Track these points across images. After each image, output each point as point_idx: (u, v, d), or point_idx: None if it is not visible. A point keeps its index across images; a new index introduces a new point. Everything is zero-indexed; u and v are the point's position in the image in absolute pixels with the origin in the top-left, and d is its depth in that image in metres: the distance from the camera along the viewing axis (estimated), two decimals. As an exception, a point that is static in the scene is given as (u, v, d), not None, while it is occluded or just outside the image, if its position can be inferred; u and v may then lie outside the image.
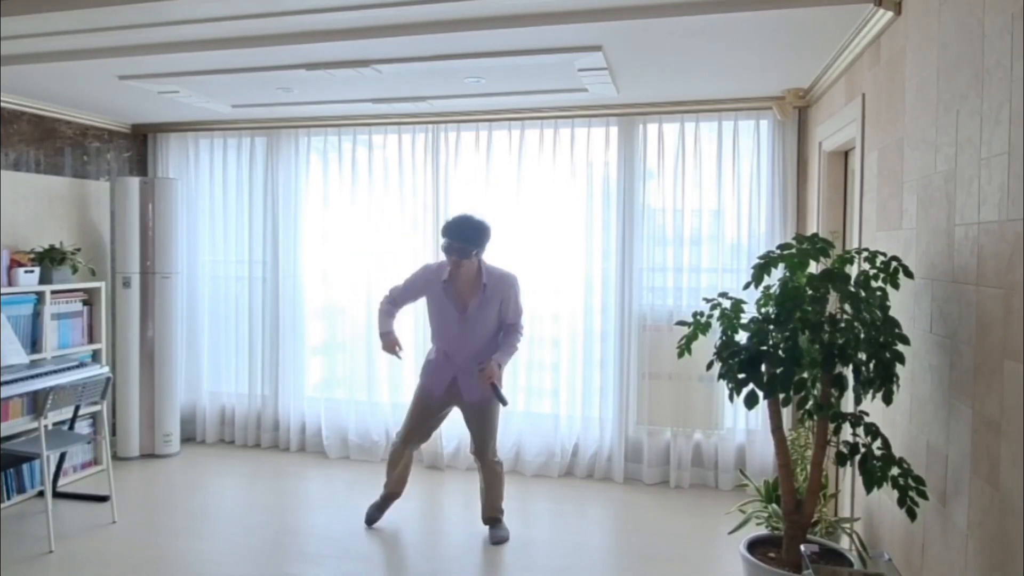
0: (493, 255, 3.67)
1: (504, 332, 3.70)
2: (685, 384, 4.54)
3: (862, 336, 2.22)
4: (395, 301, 3.77)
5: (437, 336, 3.73)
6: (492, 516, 3.79)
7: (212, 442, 5.39)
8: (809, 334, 2.28)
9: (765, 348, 2.38)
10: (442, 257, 3.68)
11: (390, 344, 3.71)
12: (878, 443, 2.25)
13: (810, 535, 2.65)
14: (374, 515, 3.88)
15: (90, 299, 4.70)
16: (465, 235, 3.50)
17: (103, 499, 4.10)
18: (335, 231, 5.16)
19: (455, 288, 3.59)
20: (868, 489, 2.17)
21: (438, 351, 3.73)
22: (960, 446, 2.02)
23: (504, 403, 3.64)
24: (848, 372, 2.31)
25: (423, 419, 3.78)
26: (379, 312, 3.78)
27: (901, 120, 2.55)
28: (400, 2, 2.77)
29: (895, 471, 2.17)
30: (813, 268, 2.43)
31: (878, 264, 2.30)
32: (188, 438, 5.40)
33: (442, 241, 3.55)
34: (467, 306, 3.58)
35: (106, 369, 4.32)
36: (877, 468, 2.17)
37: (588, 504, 4.31)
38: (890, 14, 2.62)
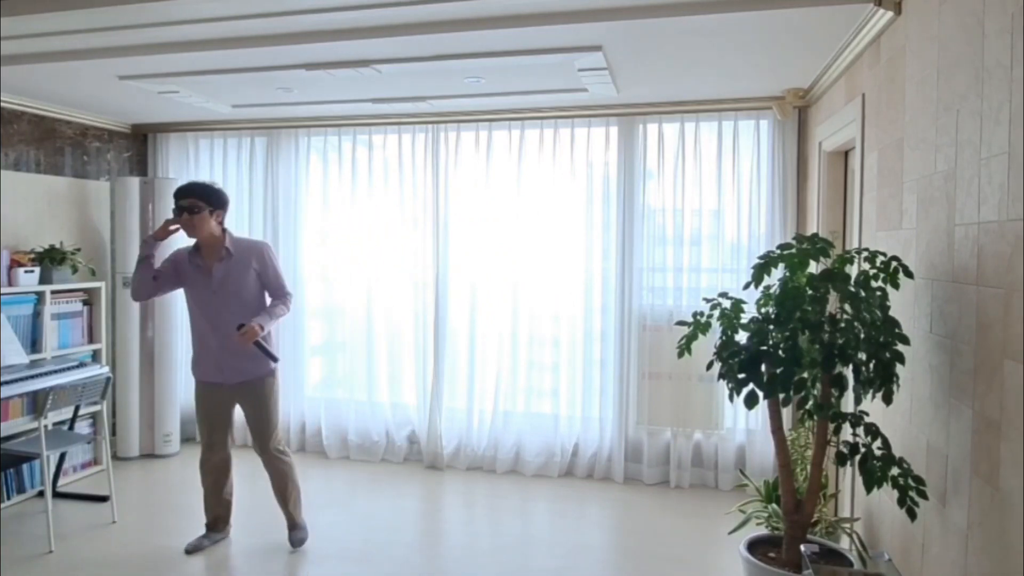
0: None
1: (271, 303, 3.55)
2: (685, 384, 4.54)
3: (862, 336, 2.22)
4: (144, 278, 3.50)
5: (193, 317, 3.53)
6: (289, 519, 3.65)
7: (212, 442, 5.39)
8: (809, 334, 2.28)
9: (765, 348, 2.38)
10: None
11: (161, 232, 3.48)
12: (878, 443, 2.25)
13: (810, 535, 2.65)
14: (193, 546, 3.57)
15: (90, 299, 4.70)
16: (195, 191, 3.42)
17: (103, 499, 4.10)
18: (335, 231, 5.16)
19: (202, 260, 3.47)
20: (868, 489, 2.17)
21: (196, 338, 3.55)
22: (960, 446, 2.02)
23: (274, 360, 3.50)
24: (848, 372, 2.31)
25: (204, 416, 3.56)
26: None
27: (901, 120, 2.55)
28: (400, 2, 2.77)
29: (895, 471, 2.17)
30: (813, 268, 2.43)
31: (878, 264, 2.30)
32: (188, 438, 5.40)
33: (173, 206, 3.43)
34: (212, 272, 3.44)
35: (106, 369, 4.32)
36: (877, 468, 2.17)
37: (588, 504, 4.31)
38: (890, 14, 2.62)
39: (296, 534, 3.64)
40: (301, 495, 3.71)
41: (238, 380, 3.50)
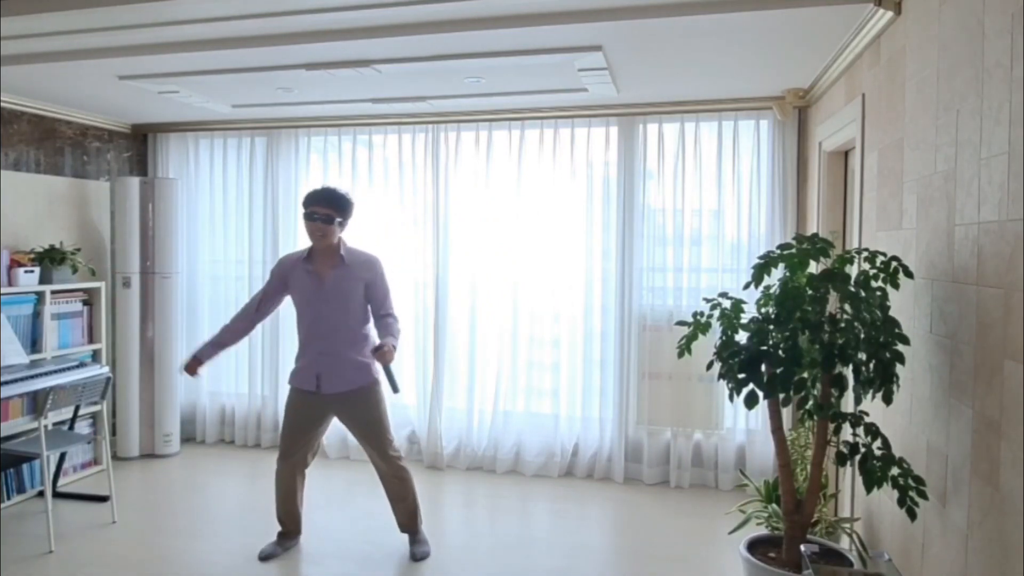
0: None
1: (379, 325, 3.47)
2: (685, 384, 4.54)
3: (862, 336, 2.22)
4: (244, 311, 3.56)
5: (300, 323, 3.48)
6: (405, 525, 3.59)
7: (212, 442, 5.39)
8: (809, 334, 2.28)
9: (765, 348, 2.38)
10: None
11: (188, 365, 3.46)
12: (878, 443, 2.25)
13: (810, 535, 2.65)
14: (267, 552, 3.52)
15: (90, 299, 4.70)
16: (331, 201, 3.37)
17: (103, 499, 4.10)
18: (335, 231, 5.15)
19: (314, 266, 3.43)
20: (868, 489, 2.17)
21: (303, 347, 3.47)
22: (960, 446, 2.02)
23: (396, 390, 3.39)
24: (848, 372, 2.31)
25: (291, 424, 3.48)
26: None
27: (901, 120, 2.55)
28: (400, 2, 2.78)
29: (895, 471, 2.17)
30: (813, 268, 2.43)
31: (878, 264, 2.30)
32: (188, 438, 5.40)
33: (304, 211, 3.38)
34: (324, 279, 3.41)
35: (106, 369, 4.32)
36: (877, 468, 2.17)
37: (588, 504, 4.31)
38: (890, 14, 2.62)
39: (419, 548, 3.53)
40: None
41: (337, 390, 3.40)
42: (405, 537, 3.66)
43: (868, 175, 3.00)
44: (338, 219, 3.38)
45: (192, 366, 3.45)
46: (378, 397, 3.49)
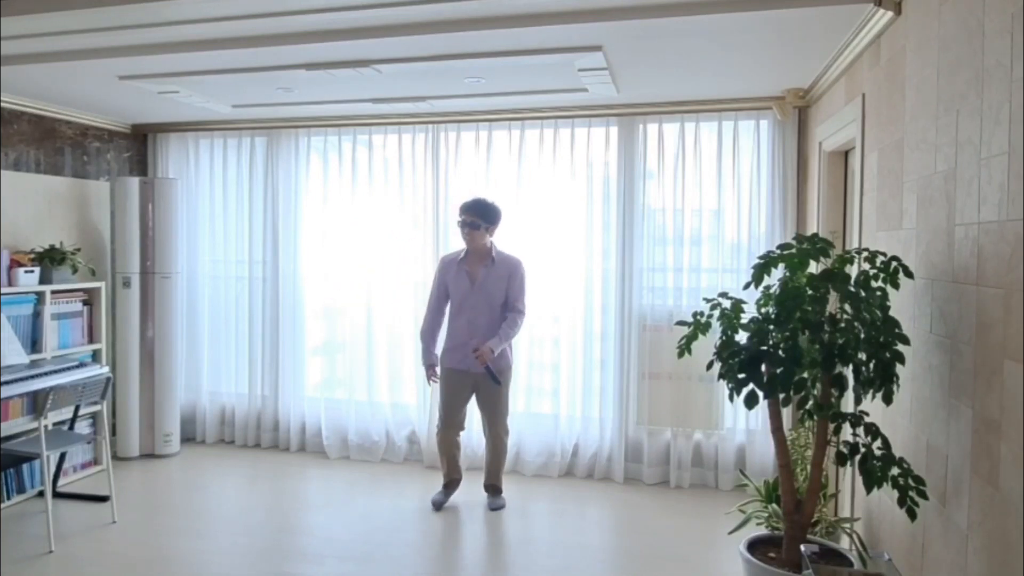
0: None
1: (507, 316, 4.10)
2: (685, 384, 4.54)
3: (862, 336, 2.22)
4: (431, 312, 4.26)
5: (454, 311, 4.18)
6: (492, 484, 4.23)
7: (212, 442, 5.39)
8: (809, 334, 2.28)
9: (765, 348, 2.38)
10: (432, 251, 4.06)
11: (428, 375, 4.25)
12: (878, 443, 2.25)
13: (810, 535, 2.66)
14: (439, 500, 4.20)
15: (90, 299, 4.70)
16: (476, 210, 4.06)
17: (103, 499, 4.10)
18: (335, 231, 5.16)
19: (468, 265, 4.12)
20: (868, 489, 2.17)
21: (451, 331, 4.18)
22: (960, 446, 2.02)
23: (497, 383, 4.05)
24: (848, 372, 2.31)
25: (448, 399, 4.17)
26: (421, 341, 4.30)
27: (901, 120, 2.55)
28: (400, 2, 2.77)
29: (895, 471, 2.17)
30: (813, 268, 2.43)
31: (878, 264, 2.30)
32: (188, 438, 5.40)
33: (458, 218, 4.10)
34: (476, 276, 4.09)
35: (106, 369, 4.32)
36: (877, 468, 2.17)
37: (588, 504, 4.31)
38: (890, 14, 2.62)
39: (497, 500, 4.21)
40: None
41: (480, 369, 4.06)
42: (405, 537, 3.69)
43: (868, 175, 3.00)
44: (484, 225, 4.06)
45: (431, 374, 4.24)
46: (505, 380, 4.17)
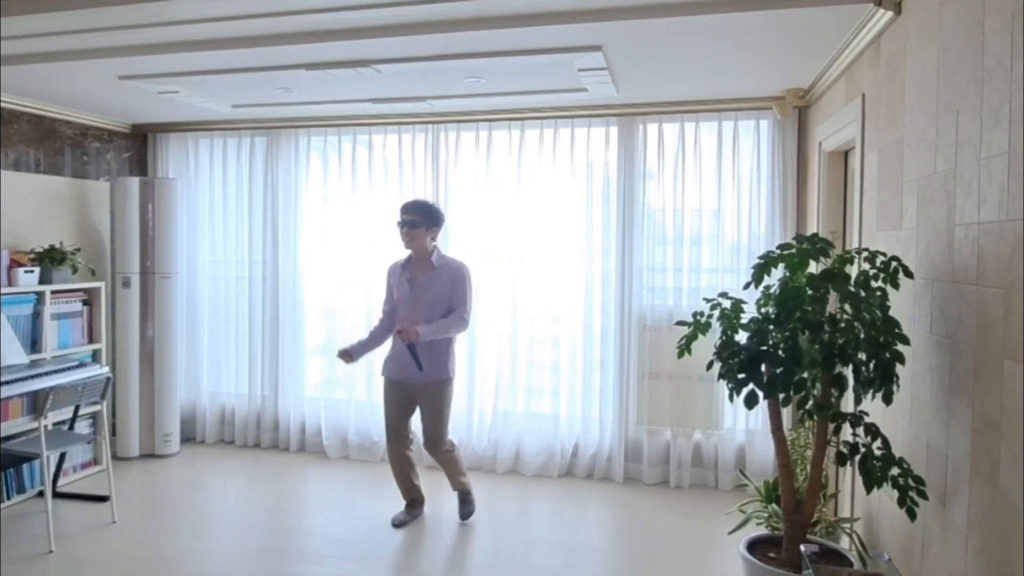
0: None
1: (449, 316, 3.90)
2: (685, 384, 4.54)
3: (862, 336, 2.22)
4: (382, 318, 4.08)
5: (396, 317, 3.97)
6: (456, 491, 4.06)
7: (212, 442, 5.39)
8: (809, 334, 2.28)
9: (765, 348, 2.38)
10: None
11: (340, 352, 4.01)
12: (878, 443, 2.25)
13: (810, 535, 2.66)
14: (398, 519, 3.99)
15: (90, 299, 4.70)
16: (416, 209, 3.88)
17: (103, 499, 4.10)
18: (335, 231, 5.16)
19: (411, 270, 3.95)
20: (868, 489, 2.17)
21: (393, 339, 3.98)
22: (960, 446, 2.02)
23: (420, 367, 3.77)
24: (848, 372, 2.31)
25: (388, 409, 3.98)
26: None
27: (901, 120, 2.55)
28: (400, 2, 2.77)
29: (895, 471, 2.17)
30: (813, 268, 2.43)
31: (878, 264, 2.30)
32: (188, 438, 5.40)
33: (398, 219, 3.90)
34: (417, 278, 3.91)
35: (106, 369, 4.32)
36: (877, 468, 2.17)
37: (588, 504, 4.31)
38: (890, 14, 2.62)
39: (465, 508, 4.04)
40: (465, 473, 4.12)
41: (418, 380, 3.85)
42: (406, 538, 3.70)
43: (868, 175, 3.00)
44: (424, 226, 3.86)
45: (345, 355, 3.98)
46: (444, 394, 3.94)
